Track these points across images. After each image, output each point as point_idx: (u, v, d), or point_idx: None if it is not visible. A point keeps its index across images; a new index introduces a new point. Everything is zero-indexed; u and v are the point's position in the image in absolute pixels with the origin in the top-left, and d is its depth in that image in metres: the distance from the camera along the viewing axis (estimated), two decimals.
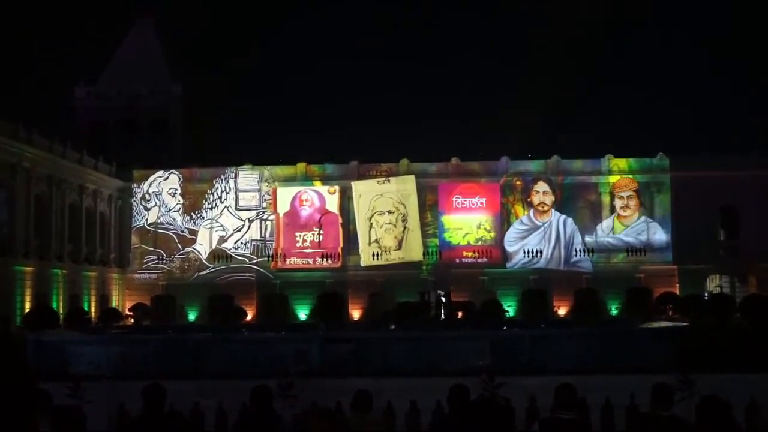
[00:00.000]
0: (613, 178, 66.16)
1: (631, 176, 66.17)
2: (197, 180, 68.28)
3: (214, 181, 67.84)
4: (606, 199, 66.18)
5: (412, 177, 66.96)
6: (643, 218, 65.57)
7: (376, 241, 66.43)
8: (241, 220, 67.29)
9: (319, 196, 67.45)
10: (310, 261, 66.71)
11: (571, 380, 9.03)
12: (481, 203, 66.54)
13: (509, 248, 66.01)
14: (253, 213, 67.43)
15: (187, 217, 67.56)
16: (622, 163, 66.68)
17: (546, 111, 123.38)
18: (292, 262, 66.83)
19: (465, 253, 66.07)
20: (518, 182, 66.81)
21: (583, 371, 17.22)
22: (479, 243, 66.22)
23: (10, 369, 20.07)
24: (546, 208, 66.34)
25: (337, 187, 67.34)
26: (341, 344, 26.00)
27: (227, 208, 67.51)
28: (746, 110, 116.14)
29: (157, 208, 67.65)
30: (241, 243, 67.09)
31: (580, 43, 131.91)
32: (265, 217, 67.42)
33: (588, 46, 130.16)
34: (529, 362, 22.16)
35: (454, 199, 66.56)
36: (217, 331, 37.35)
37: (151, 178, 67.91)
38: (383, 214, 66.49)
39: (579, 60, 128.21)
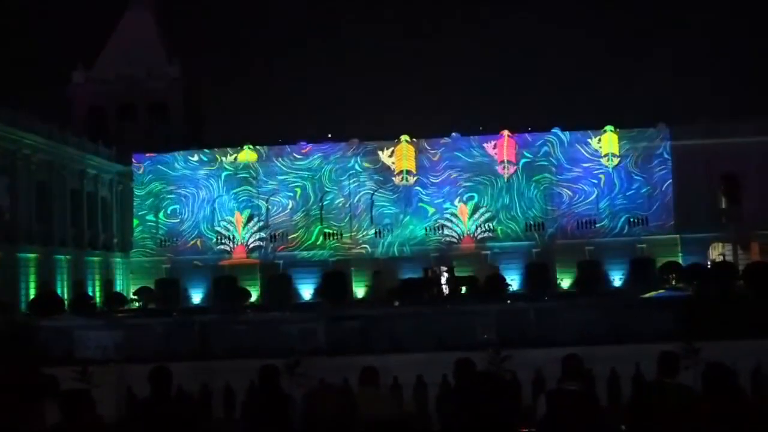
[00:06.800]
0: (613, 149, 65.59)
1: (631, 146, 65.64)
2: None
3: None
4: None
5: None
6: (644, 188, 65.23)
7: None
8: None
9: None
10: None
11: (576, 351, 9.07)
12: None
13: None
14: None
15: None
16: (622, 133, 66.11)
17: (546, 84, 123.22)
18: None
19: None
20: None
21: (588, 342, 17.29)
22: None
23: (14, 356, 20.17)
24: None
25: None
26: (346, 322, 26.14)
27: None
28: (747, 76, 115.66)
29: None
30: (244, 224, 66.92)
31: (578, 16, 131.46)
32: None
33: (586, 18, 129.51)
34: (534, 335, 22.26)
35: None
36: (222, 313, 37.56)
37: None
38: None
39: (577, 32, 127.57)
